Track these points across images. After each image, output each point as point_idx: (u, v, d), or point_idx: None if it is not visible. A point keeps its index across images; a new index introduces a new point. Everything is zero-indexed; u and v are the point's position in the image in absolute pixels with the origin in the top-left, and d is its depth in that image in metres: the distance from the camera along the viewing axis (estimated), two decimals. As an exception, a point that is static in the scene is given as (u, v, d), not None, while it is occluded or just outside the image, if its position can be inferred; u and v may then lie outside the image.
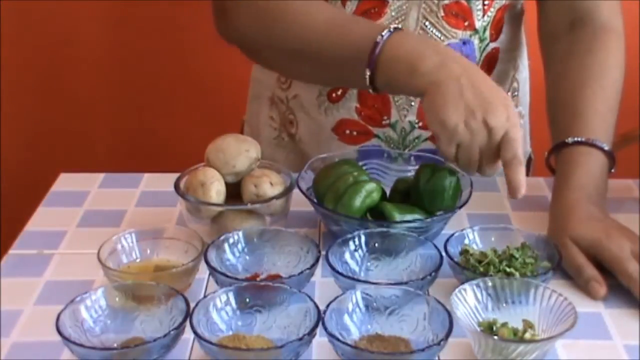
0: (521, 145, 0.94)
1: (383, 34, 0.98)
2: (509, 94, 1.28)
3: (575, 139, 1.07)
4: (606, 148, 1.07)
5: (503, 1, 1.18)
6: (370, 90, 1.01)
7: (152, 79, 2.13)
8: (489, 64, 1.22)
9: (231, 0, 1.09)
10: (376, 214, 1.01)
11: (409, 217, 0.99)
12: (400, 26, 1.02)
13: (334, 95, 1.21)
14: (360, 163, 1.09)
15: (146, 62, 2.11)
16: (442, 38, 1.16)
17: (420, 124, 1.20)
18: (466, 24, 1.17)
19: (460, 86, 0.94)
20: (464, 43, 1.17)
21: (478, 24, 1.17)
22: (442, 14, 1.15)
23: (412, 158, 1.13)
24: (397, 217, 0.99)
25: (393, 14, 1.15)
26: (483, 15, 1.17)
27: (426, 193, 1.01)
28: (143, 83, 2.14)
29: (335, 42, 1.02)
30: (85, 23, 2.08)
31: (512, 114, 0.94)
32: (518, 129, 0.94)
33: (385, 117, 1.21)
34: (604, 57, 1.15)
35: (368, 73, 0.99)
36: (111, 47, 2.11)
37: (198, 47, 2.09)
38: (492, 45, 1.21)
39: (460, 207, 1.02)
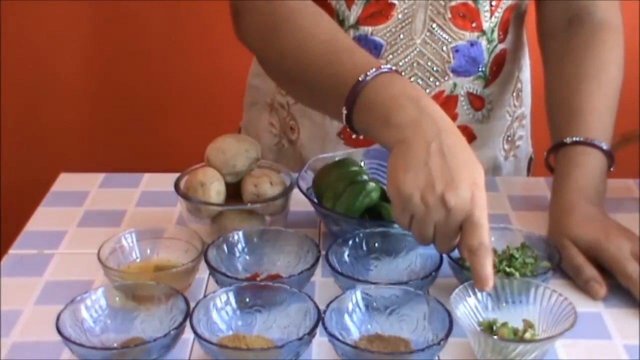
0: (485, 207, 0.83)
1: (369, 72, 0.90)
2: (514, 94, 1.28)
3: (574, 138, 1.07)
4: (604, 147, 1.06)
5: (510, 1, 1.17)
6: (348, 129, 0.93)
7: (152, 79, 2.13)
8: (497, 65, 1.21)
9: (243, 4, 1.08)
10: (375, 214, 1.01)
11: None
12: (395, 67, 0.94)
13: None
14: (362, 163, 1.09)
15: (147, 63, 2.12)
16: (449, 40, 1.15)
17: None
18: (474, 25, 1.16)
19: (429, 152, 0.84)
20: (472, 45, 1.16)
21: (486, 25, 1.16)
22: (450, 15, 1.14)
23: None
24: None
25: (400, 16, 1.13)
26: (491, 16, 1.16)
27: None
28: (143, 83, 2.14)
29: (323, 68, 0.95)
30: (86, 24, 2.08)
31: (479, 194, 0.83)
32: (484, 212, 0.83)
33: None
34: (601, 54, 1.15)
35: (344, 112, 0.91)
36: (112, 47, 2.11)
37: (199, 46, 2.09)
38: (500, 46, 1.20)
39: (460, 207, 1.02)
